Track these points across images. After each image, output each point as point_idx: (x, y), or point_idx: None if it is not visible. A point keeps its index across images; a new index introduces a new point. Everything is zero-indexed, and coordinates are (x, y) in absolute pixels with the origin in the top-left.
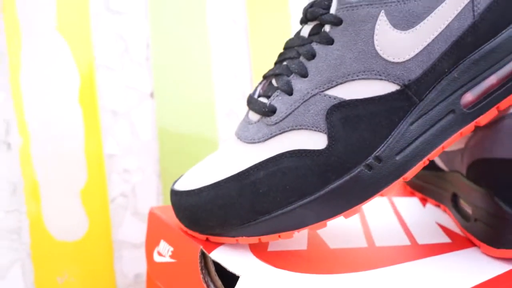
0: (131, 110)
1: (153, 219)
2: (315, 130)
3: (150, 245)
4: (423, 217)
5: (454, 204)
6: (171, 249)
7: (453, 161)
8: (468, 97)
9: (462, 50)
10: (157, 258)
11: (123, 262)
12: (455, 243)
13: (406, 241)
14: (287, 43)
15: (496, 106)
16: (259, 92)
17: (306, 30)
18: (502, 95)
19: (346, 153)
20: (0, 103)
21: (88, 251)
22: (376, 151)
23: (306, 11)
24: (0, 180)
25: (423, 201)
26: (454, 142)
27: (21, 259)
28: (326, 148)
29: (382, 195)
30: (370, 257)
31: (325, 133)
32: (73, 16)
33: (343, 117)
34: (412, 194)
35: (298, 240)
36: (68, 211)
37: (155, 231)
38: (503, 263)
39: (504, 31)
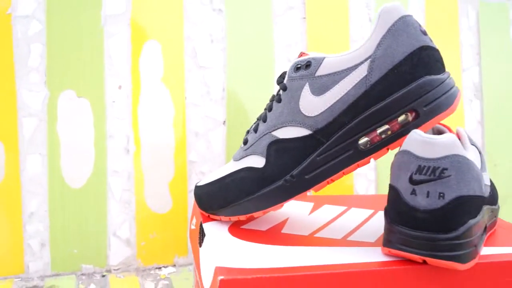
0: (209, 132)
1: (195, 203)
2: (261, 156)
3: (191, 219)
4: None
5: None
6: (195, 221)
7: None
8: (365, 139)
9: (357, 109)
10: (192, 227)
11: None
12: (376, 243)
13: (339, 236)
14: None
15: (387, 147)
16: (253, 128)
17: (276, 91)
18: (391, 140)
19: (273, 171)
20: (125, 125)
21: (171, 221)
22: (292, 172)
23: (277, 79)
24: (121, 171)
25: None
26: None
27: (128, 220)
28: (263, 167)
29: (296, 199)
30: (305, 240)
31: (264, 157)
32: (173, 70)
33: (275, 149)
34: None
35: (262, 223)
36: (160, 195)
37: (194, 210)
38: (384, 257)
39: (389, 97)
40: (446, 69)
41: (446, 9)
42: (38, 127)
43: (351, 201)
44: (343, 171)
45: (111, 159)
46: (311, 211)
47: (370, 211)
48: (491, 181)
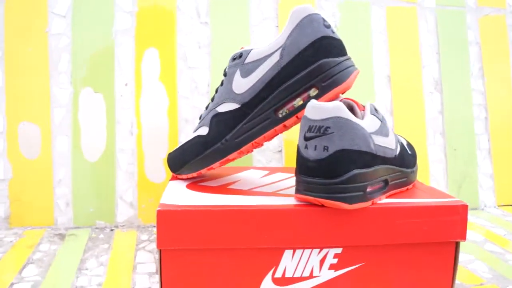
0: (196, 119)
1: None
2: (206, 126)
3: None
4: None
5: None
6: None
7: None
8: (280, 110)
9: (272, 87)
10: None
11: None
12: None
13: (271, 191)
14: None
15: (295, 116)
16: (205, 106)
17: None
18: (297, 110)
19: (213, 137)
20: (129, 113)
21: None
22: (226, 137)
23: (224, 69)
24: (127, 149)
25: None
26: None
27: (132, 187)
28: (206, 134)
29: (230, 157)
30: (243, 192)
31: (208, 127)
32: (168, 70)
33: (216, 120)
34: None
35: (217, 182)
36: (157, 167)
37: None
38: (297, 202)
39: (296, 76)
40: (349, 55)
41: (406, 15)
42: (65, 115)
43: None
44: (264, 135)
45: (119, 139)
46: (263, 176)
47: None
48: (408, 147)
